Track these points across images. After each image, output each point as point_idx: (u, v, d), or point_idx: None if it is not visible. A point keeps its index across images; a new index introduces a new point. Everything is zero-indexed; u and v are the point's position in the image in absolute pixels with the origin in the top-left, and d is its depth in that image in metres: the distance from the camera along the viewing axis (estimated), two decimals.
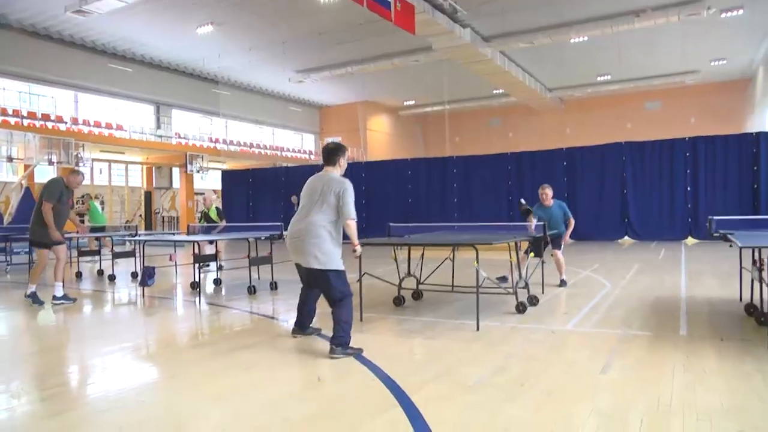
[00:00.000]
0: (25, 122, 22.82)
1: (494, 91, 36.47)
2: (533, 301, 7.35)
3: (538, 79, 34.78)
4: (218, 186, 28.07)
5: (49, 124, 23.66)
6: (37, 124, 23.19)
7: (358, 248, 5.42)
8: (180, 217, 29.25)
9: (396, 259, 7.50)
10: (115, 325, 7.10)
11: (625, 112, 38.53)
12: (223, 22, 23.57)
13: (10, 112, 22.72)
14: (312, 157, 36.67)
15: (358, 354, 4.97)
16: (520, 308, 6.88)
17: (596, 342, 5.43)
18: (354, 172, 24.38)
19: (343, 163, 5.55)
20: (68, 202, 8.20)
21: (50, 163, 22.42)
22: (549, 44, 26.70)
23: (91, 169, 25.39)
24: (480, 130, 42.40)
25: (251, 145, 32.33)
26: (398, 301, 7.50)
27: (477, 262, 6.10)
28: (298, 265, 5.35)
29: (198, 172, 27.79)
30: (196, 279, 9.40)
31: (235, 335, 6.16)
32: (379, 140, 41.21)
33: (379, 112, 41.96)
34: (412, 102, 40.74)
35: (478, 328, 5.99)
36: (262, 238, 8.85)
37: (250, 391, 4.16)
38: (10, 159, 21.01)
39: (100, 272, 12.24)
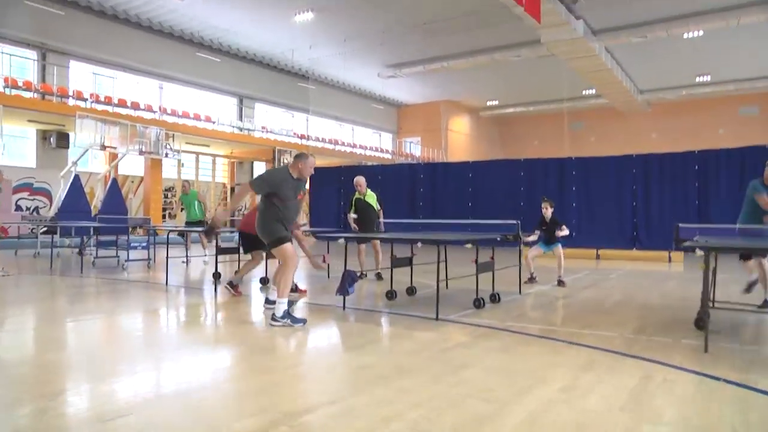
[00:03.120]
0: (113, 109, 21.67)
1: (583, 92, 34.52)
2: None
3: (632, 79, 32.78)
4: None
5: (140, 114, 22.53)
6: (123, 112, 22.02)
7: None
8: None
9: (707, 269, 5.81)
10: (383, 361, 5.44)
11: (717, 116, 36.28)
12: (324, 9, 22.16)
13: (102, 98, 21.62)
14: (390, 156, 35.02)
15: None
16: None
17: None
18: (458, 172, 22.85)
19: None
20: (296, 196, 6.50)
21: (140, 153, 21.24)
22: (662, 38, 24.81)
23: (179, 161, 24.18)
24: (559, 133, 40.27)
25: (335, 143, 30.87)
26: (699, 324, 5.83)
27: None
28: None
29: None
30: (393, 288, 7.91)
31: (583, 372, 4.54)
32: (459, 141, 39.41)
33: (460, 112, 40.25)
34: (495, 102, 38.91)
35: None
36: (498, 239, 7.25)
37: None
38: (103, 147, 19.81)
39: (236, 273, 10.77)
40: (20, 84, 19.62)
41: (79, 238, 16.81)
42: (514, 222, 7.49)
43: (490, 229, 8.26)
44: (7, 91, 18.99)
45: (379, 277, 10.33)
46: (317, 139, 29.27)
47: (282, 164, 25.63)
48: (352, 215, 10.70)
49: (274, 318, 6.06)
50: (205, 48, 26.66)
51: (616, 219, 19.49)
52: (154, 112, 23.31)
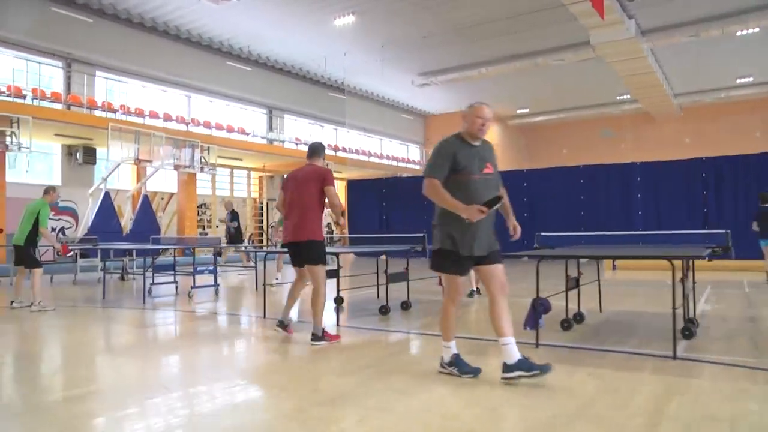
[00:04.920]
0: (144, 121, 20.39)
1: (617, 97, 33.29)
2: None
3: (670, 82, 31.54)
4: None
5: (171, 126, 21.25)
6: (154, 123, 20.73)
7: None
8: None
9: None
10: None
11: (751, 120, 34.99)
12: (366, 11, 20.90)
13: (133, 110, 20.32)
14: (419, 167, 33.64)
15: None
16: None
17: None
18: (511, 181, 21.47)
19: None
20: (481, 168, 4.52)
21: (175, 167, 19.93)
22: (712, 38, 23.58)
23: (213, 176, 22.77)
24: (588, 140, 39.05)
25: (368, 154, 29.51)
26: None
27: None
28: None
29: None
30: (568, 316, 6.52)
31: None
32: None
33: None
34: (526, 110, 37.66)
35: None
36: (705, 255, 5.90)
37: None
38: (138, 161, 18.44)
39: (339, 300, 8.98)
40: (48, 95, 18.32)
41: (120, 261, 15.50)
42: (723, 231, 6.11)
43: (672, 240, 6.93)
44: (35, 102, 17.72)
45: (470, 294, 9.92)
46: (350, 151, 27.92)
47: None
48: None
49: (441, 365, 4.60)
50: (234, 57, 25.38)
51: (687, 227, 18.22)
52: (187, 123, 22.01)
